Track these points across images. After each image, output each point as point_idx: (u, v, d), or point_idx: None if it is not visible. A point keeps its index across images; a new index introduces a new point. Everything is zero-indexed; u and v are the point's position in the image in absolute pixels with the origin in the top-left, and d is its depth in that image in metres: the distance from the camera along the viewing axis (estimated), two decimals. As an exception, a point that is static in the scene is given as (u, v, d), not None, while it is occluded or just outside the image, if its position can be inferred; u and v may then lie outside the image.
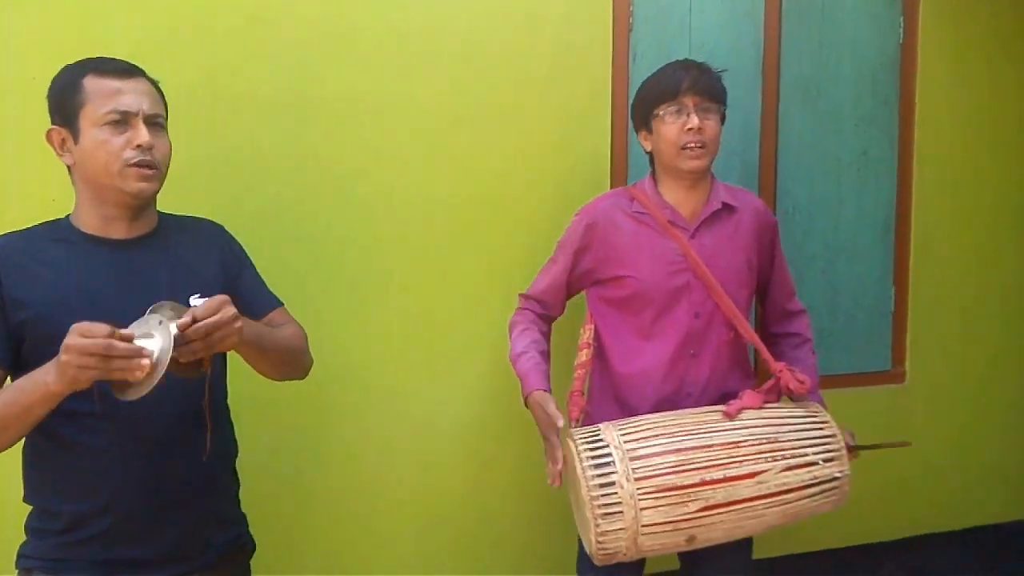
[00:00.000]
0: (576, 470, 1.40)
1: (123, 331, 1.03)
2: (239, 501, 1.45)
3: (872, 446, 1.61)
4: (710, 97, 1.56)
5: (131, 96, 1.22)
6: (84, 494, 1.21)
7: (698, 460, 1.38)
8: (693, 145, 1.54)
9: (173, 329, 1.05)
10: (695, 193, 1.62)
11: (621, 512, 1.35)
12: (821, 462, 1.42)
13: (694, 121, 1.53)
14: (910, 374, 2.45)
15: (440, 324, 1.99)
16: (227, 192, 1.82)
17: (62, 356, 1.01)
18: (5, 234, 1.27)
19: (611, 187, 2.11)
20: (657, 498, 1.36)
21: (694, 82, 1.55)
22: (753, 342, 1.62)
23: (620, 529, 1.35)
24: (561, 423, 1.44)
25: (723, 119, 1.62)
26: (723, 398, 1.56)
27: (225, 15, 1.80)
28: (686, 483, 1.36)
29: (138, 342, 1.04)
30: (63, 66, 1.25)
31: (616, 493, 1.35)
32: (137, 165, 1.21)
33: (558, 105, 2.03)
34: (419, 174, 1.96)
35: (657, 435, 1.42)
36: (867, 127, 2.36)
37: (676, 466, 1.37)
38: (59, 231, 1.26)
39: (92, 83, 1.21)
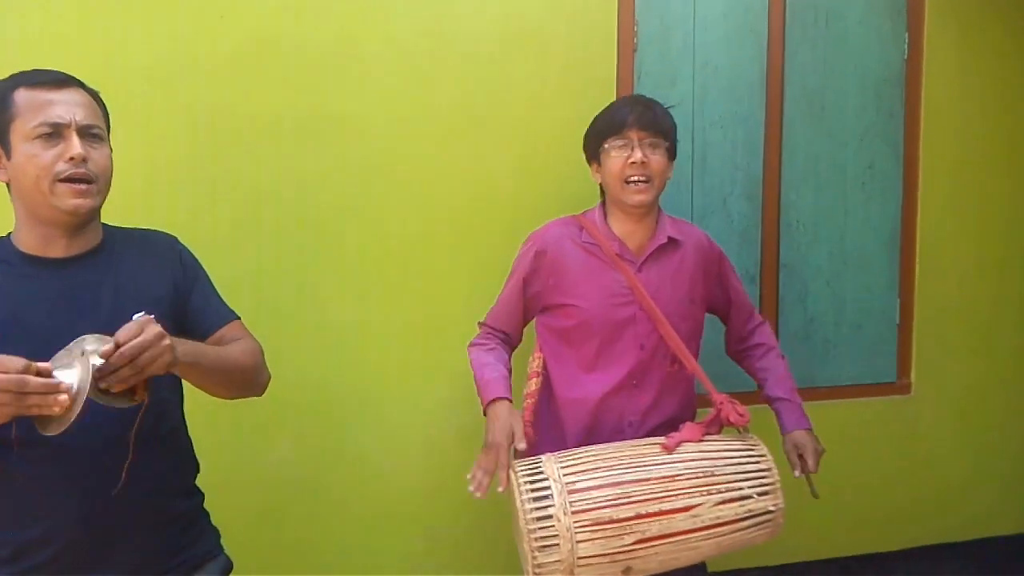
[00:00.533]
0: (516, 501, 1.42)
1: (40, 365, 0.99)
2: (204, 517, 1.38)
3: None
4: (655, 132, 1.59)
5: (63, 107, 1.15)
6: (22, 524, 1.16)
7: (635, 494, 1.40)
8: (637, 179, 1.57)
9: (95, 360, 1.00)
10: (642, 226, 1.65)
11: (558, 545, 1.37)
12: (755, 496, 1.44)
13: (637, 155, 1.56)
14: (916, 385, 2.47)
15: (443, 331, 2.06)
16: (238, 208, 1.92)
17: None
18: None
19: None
20: (594, 531, 1.38)
21: (639, 117, 1.58)
22: (696, 374, 1.63)
23: (556, 561, 1.37)
24: (523, 446, 1.46)
25: (672, 154, 1.64)
26: (665, 427, 1.60)
27: (236, 38, 1.89)
28: (622, 516, 1.39)
29: (57, 374, 0.99)
30: None
31: (553, 526, 1.37)
32: (69, 180, 1.14)
33: (563, 125, 2.08)
34: (425, 190, 2.03)
35: (596, 468, 1.44)
36: (872, 140, 2.39)
37: (613, 500, 1.39)
38: (0, 251, 1.20)
39: (23, 96, 1.15)
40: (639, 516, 1.39)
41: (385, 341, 2.05)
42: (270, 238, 1.95)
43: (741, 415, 1.54)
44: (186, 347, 1.14)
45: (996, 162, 2.48)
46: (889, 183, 2.41)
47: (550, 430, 1.69)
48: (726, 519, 1.43)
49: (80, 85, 1.22)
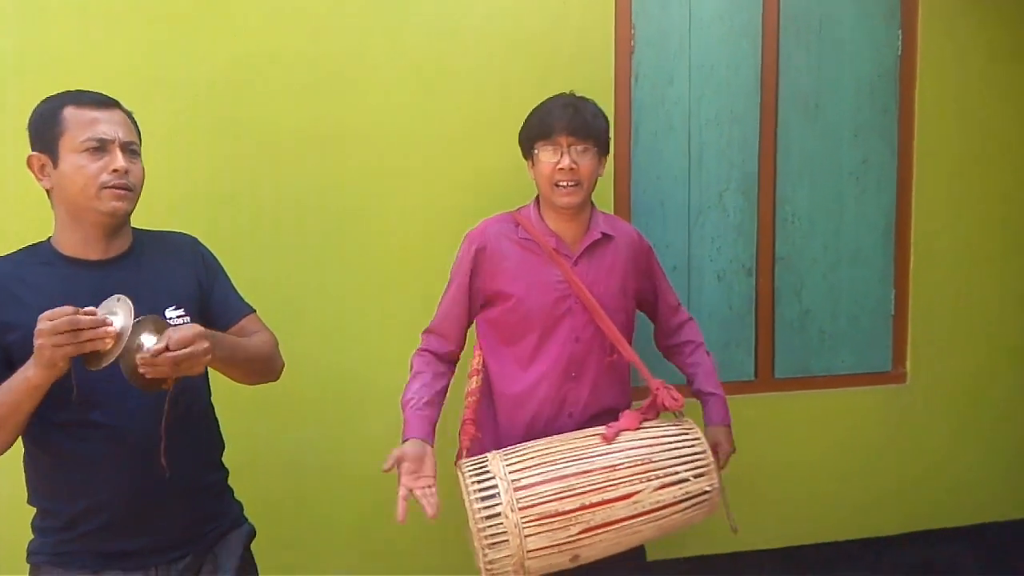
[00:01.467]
0: (465, 501, 1.46)
1: (87, 309, 1.14)
2: (228, 491, 1.54)
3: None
4: (584, 136, 1.62)
5: (108, 125, 1.31)
6: (77, 496, 1.32)
7: (578, 486, 1.46)
8: (566, 183, 1.62)
9: (146, 342, 1.16)
10: (575, 223, 1.70)
11: (507, 540, 1.42)
12: (692, 478, 1.50)
13: (565, 161, 1.61)
14: (911, 374, 2.54)
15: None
16: (259, 213, 2.05)
17: (36, 342, 1.12)
18: None
19: (614, 206, 2.27)
20: (540, 525, 1.43)
21: (568, 122, 1.61)
22: (633, 361, 1.67)
23: (507, 556, 1.43)
24: (416, 483, 1.48)
25: (604, 151, 1.68)
26: (604, 416, 1.66)
27: (256, 55, 2.02)
28: (567, 508, 1.44)
29: (102, 315, 1.15)
30: (43, 99, 1.34)
31: (501, 523, 1.42)
32: (113, 187, 1.30)
33: None
34: (434, 194, 2.15)
35: (541, 463, 1.49)
36: (867, 136, 2.46)
37: (557, 493, 1.45)
38: (41, 255, 1.34)
39: (71, 113, 1.30)
40: (583, 507, 1.45)
41: (398, 337, 2.13)
42: (289, 241, 2.07)
43: (676, 399, 1.60)
44: (222, 347, 1.30)
45: (990, 155, 2.53)
46: (884, 177, 2.48)
47: (492, 426, 1.73)
48: (665, 503, 1.49)
49: (119, 106, 1.37)
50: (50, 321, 1.11)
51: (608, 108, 2.21)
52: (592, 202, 1.76)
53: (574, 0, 2.18)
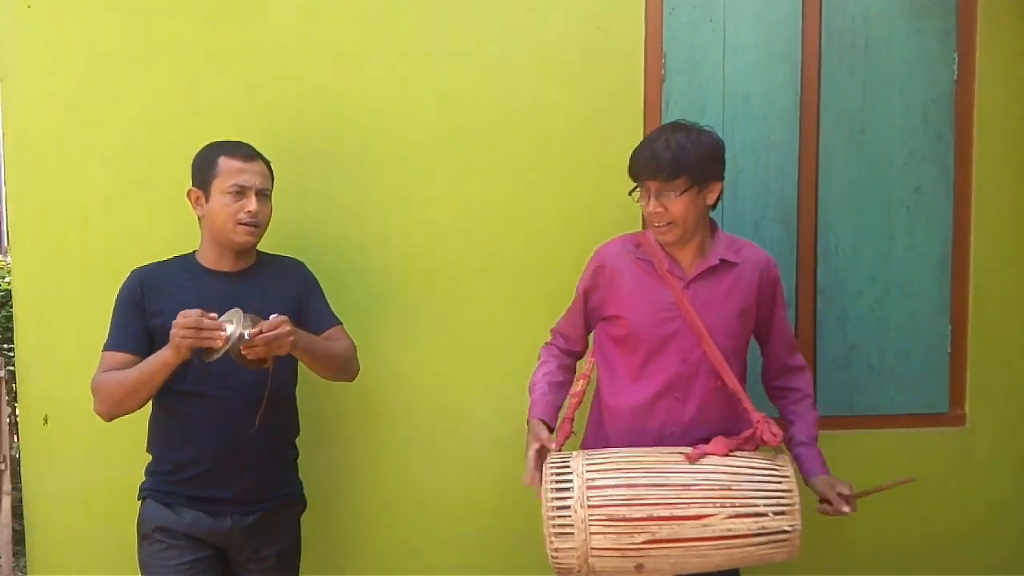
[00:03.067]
0: (543, 490, 1.55)
1: (210, 314, 1.50)
2: (296, 468, 1.89)
3: (872, 490, 1.65)
4: (667, 178, 1.63)
5: (249, 176, 1.70)
6: (184, 449, 1.71)
7: (649, 496, 1.50)
8: (659, 224, 1.67)
9: (241, 327, 1.49)
10: (688, 249, 1.72)
11: (573, 534, 1.48)
12: (771, 514, 1.49)
13: (652, 206, 1.65)
14: (971, 416, 2.36)
15: (479, 348, 2.21)
16: (280, 240, 2.13)
17: (172, 331, 1.51)
18: (152, 263, 1.78)
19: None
20: (606, 525, 1.48)
21: (645, 167, 1.65)
22: (736, 391, 1.67)
23: (571, 548, 1.49)
24: (536, 446, 1.62)
25: (704, 186, 1.66)
26: (706, 442, 1.63)
27: (277, 83, 2.14)
28: (634, 516, 1.48)
29: (219, 321, 1.51)
30: (206, 144, 1.76)
31: (570, 516, 1.49)
32: (246, 224, 1.69)
33: (591, 156, 2.18)
34: (454, 218, 2.19)
35: (619, 468, 1.54)
36: (919, 163, 2.34)
37: (627, 499, 1.49)
38: (187, 264, 1.77)
39: (224, 162, 1.70)
40: (650, 518, 1.48)
41: (426, 355, 2.21)
42: (312, 266, 2.14)
43: (775, 435, 1.57)
44: (306, 340, 1.66)
45: (1055, 184, 2.36)
46: (938, 207, 2.35)
47: (596, 433, 1.81)
48: (738, 532, 1.48)
49: (262, 158, 1.76)
50: (183, 317, 1.49)
51: (638, 136, 2.21)
52: (715, 224, 1.78)
53: (603, 27, 2.19)
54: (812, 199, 2.31)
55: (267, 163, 1.77)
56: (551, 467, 1.57)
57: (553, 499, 1.51)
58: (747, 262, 1.74)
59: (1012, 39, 2.32)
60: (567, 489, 1.51)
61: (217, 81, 2.11)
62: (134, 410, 1.66)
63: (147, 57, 2.09)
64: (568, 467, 1.55)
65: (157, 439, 1.76)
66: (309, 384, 1.91)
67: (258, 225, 1.72)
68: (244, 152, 1.73)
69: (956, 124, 2.34)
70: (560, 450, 1.67)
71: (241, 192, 1.69)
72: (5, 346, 3.27)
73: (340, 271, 2.16)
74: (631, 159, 1.71)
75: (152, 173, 2.09)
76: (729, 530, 1.47)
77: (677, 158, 1.63)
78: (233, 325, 1.50)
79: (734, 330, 1.71)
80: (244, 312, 1.53)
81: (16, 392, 2.44)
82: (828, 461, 2.27)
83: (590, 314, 1.83)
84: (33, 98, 2.08)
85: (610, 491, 1.50)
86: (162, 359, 1.55)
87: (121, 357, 1.65)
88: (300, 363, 1.81)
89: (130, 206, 2.09)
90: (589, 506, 1.49)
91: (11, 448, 2.18)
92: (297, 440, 1.90)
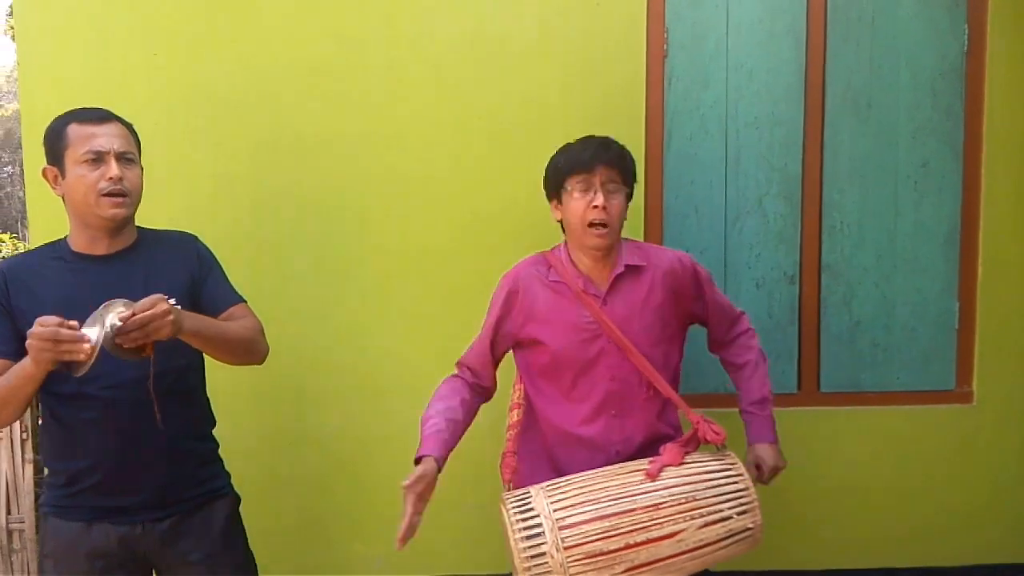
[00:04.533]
0: (509, 539, 1.48)
1: (70, 322, 1.27)
2: (217, 461, 1.69)
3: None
4: (621, 169, 1.62)
5: (104, 138, 1.48)
6: (76, 457, 1.52)
7: (623, 525, 1.47)
8: (598, 222, 1.60)
9: (114, 320, 1.29)
10: (604, 263, 1.67)
11: None
12: (735, 516, 1.50)
13: (599, 199, 1.59)
14: (978, 394, 2.35)
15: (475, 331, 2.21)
16: (279, 217, 2.20)
17: (28, 341, 1.28)
18: (16, 255, 1.60)
19: (645, 212, 2.25)
20: (586, 564, 1.45)
21: (603, 154, 1.61)
22: (670, 397, 1.66)
23: None
24: (405, 483, 1.48)
25: (629, 198, 1.66)
26: (652, 446, 1.64)
27: (275, 64, 2.16)
28: (612, 548, 1.46)
29: (84, 330, 1.28)
30: (54, 117, 1.54)
31: (547, 563, 1.44)
32: (109, 194, 1.47)
33: (593, 131, 2.14)
34: (453, 196, 2.21)
35: (584, 501, 1.50)
36: (926, 138, 2.31)
37: (602, 533, 1.46)
38: (56, 250, 1.55)
39: (73, 130, 1.48)
40: (628, 547, 1.47)
41: (424, 336, 2.24)
42: (310, 243, 2.20)
43: (717, 433, 1.58)
44: (192, 320, 1.44)
45: (1067, 158, 2.32)
46: (946, 182, 2.32)
47: (537, 458, 1.73)
48: (709, 540, 1.50)
49: (118, 119, 1.54)
50: (39, 327, 1.26)
51: (639, 111, 2.22)
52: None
53: (605, 1, 2.18)
54: (817, 175, 2.30)
55: (127, 125, 1.55)
56: (514, 512, 1.50)
57: (526, 548, 1.45)
58: (656, 266, 1.70)
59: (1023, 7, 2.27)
60: (538, 535, 1.46)
61: (219, 65, 2.15)
62: (10, 422, 1.48)
63: (153, 40, 2.14)
64: (532, 508, 1.49)
65: (48, 449, 1.58)
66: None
67: (126, 194, 1.48)
68: (95, 115, 1.50)
69: (966, 98, 2.30)
70: (508, 486, 1.62)
71: (99, 158, 1.46)
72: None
73: (336, 254, 2.20)
74: (574, 152, 1.64)
75: (161, 155, 2.13)
76: (701, 540, 1.49)
77: (623, 151, 1.64)
78: (97, 328, 1.29)
79: (657, 337, 1.67)
80: (117, 300, 1.34)
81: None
82: (835, 438, 2.33)
83: (499, 343, 1.73)
84: (47, 82, 2.14)
85: (583, 527, 1.46)
86: (24, 371, 1.34)
87: None
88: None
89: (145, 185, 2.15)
90: (565, 548, 1.44)
91: (33, 418, 2.25)
92: (214, 431, 1.73)
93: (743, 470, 1.56)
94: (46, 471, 1.59)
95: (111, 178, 1.47)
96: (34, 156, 2.17)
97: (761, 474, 1.70)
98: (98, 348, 1.27)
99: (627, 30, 2.20)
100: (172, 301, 1.38)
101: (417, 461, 1.54)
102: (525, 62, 2.19)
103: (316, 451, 2.25)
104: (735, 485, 1.53)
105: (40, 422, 1.59)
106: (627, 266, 1.67)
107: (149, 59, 2.14)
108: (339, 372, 2.23)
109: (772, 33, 2.25)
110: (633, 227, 2.21)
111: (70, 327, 1.27)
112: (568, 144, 1.69)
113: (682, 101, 2.25)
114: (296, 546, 2.25)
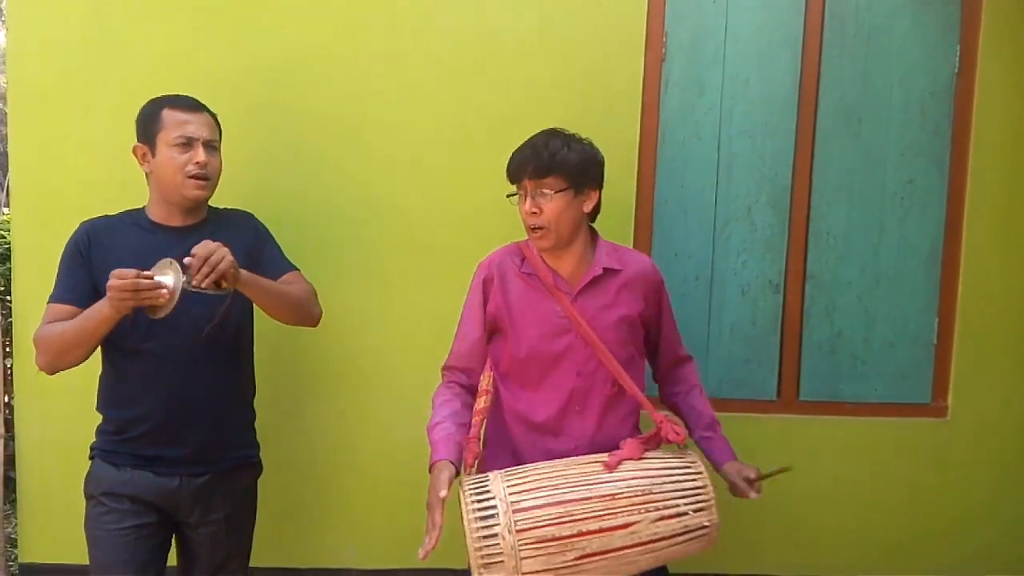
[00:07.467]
0: (464, 519, 1.47)
1: (145, 272, 1.43)
2: (252, 431, 1.83)
3: (769, 475, 1.65)
4: (543, 175, 1.59)
5: (195, 126, 1.64)
6: (128, 406, 1.67)
7: (576, 512, 1.46)
8: (533, 226, 1.61)
9: (176, 265, 1.44)
10: (569, 259, 1.66)
11: (502, 561, 1.43)
12: (691, 512, 1.49)
13: (527, 205, 1.60)
14: (953, 409, 2.38)
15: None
16: (282, 203, 2.19)
17: (108, 291, 1.44)
18: (98, 217, 1.72)
19: (636, 213, 2.27)
20: (537, 548, 1.44)
21: (524, 166, 1.60)
22: (635, 396, 1.66)
23: None
24: (443, 495, 1.48)
25: (581, 190, 1.62)
26: (613, 445, 1.62)
27: (280, 52, 2.16)
28: (564, 534, 1.45)
29: (158, 277, 1.44)
30: (149, 99, 1.69)
31: (498, 544, 1.43)
32: (195, 177, 1.64)
33: (588, 131, 2.15)
34: (452, 186, 2.22)
35: (541, 487, 1.49)
36: (914, 156, 2.34)
37: (556, 518, 1.45)
38: (136, 218, 1.71)
39: (168, 114, 1.64)
40: (580, 534, 1.45)
41: (412, 326, 2.24)
42: (312, 230, 2.19)
43: (678, 434, 1.58)
44: (248, 274, 1.58)
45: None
46: (931, 200, 2.36)
47: (499, 450, 1.72)
48: (663, 535, 1.49)
49: (206, 110, 1.70)
50: (117, 280, 1.43)
51: (635, 113, 2.23)
52: (595, 232, 1.73)
53: (606, 1, 2.19)
54: (806, 186, 2.32)
55: (213, 116, 1.71)
56: (470, 493, 1.50)
57: (479, 528, 1.44)
58: (631, 269, 1.70)
59: (1016, 32, 2.31)
60: (491, 516, 1.45)
61: (217, 42, 2.14)
62: (76, 364, 1.60)
63: (149, 16, 2.13)
64: (488, 491, 1.49)
65: (104, 398, 1.71)
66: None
67: (208, 178, 1.65)
68: (188, 103, 1.67)
69: (954, 118, 2.34)
70: (470, 471, 1.60)
71: (188, 143, 1.62)
72: (8, 298, 3.30)
73: (339, 234, 2.20)
74: (511, 161, 1.65)
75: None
76: (655, 533, 1.48)
77: (554, 156, 1.60)
78: (171, 275, 1.44)
79: (625, 337, 1.67)
80: (166, 259, 1.47)
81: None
82: (811, 446, 2.35)
83: (488, 327, 1.71)
84: (36, 50, 2.11)
85: (536, 512, 1.46)
86: (101, 313, 1.49)
87: (65, 309, 1.60)
88: (256, 322, 1.79)
89: (130, 163, 2.06)
90: (517, 531, 1.44)
91: (6, 397, 2.22)
92: (255, 402, 1.84)
93: (703, 469, 1.56)
94: (102, 418, 1.72)
95: (198, 163, 1.63)
96: (21, 128, 2.14)
97: (751, 486, 1.64)
98: (177, 292, 1.42)
99: (627, 30, 2.21)
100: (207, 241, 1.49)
101: (430, 468, 1.54)
102: (525, 57, 2.19)
103: (291, 443, 2.24)
104: (693, 482, 1.53)
105: (101, 373, 1.72)
106: (605, 269, 1.67)
107: (146, 45, 2.13)
108: (321, 364, 2.23)
109: (769, 44, 2.28)
110: (623, 227, 2.22)
111: (147, 276, 1.43)
112: (520, 145, 1.67)
113: (678, 105, 2.27)
114: (270, 537, 2.22)
